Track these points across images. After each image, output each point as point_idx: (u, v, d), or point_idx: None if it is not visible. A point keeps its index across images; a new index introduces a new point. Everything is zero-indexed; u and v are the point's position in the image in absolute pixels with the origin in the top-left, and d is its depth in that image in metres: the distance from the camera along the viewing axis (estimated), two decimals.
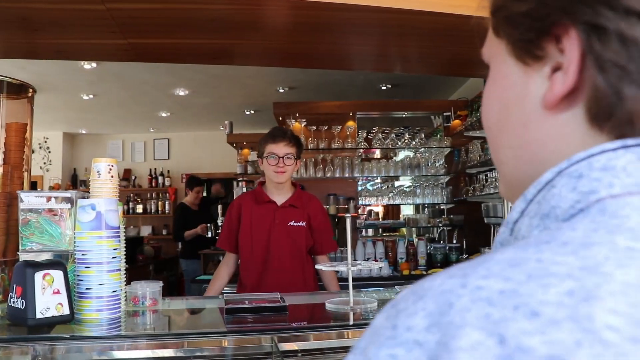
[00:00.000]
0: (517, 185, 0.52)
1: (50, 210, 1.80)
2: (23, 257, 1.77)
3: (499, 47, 0.52)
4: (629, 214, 0.38)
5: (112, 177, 1.88)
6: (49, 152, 9.45)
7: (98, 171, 1.86)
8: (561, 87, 0.45)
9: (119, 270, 1.77)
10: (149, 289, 1.94)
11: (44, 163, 9.44)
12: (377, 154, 6.50)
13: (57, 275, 1.59)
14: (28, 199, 1.78)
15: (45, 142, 9.44)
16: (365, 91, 6.93)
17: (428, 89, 6.94)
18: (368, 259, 5.42)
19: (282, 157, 2.86)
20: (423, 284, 0.38)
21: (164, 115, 8.37)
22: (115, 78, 6.27)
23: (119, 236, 1.77)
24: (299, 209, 2.96)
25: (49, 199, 1.80)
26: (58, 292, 1.58)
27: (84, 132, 9.65)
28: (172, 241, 9.46)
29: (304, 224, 2.95)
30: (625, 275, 0.34)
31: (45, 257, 1.76)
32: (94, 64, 5.66)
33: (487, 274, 0.35)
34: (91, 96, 7.04)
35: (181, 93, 7.00)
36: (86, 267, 1.70)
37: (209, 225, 6.46)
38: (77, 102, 7.34)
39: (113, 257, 1.73)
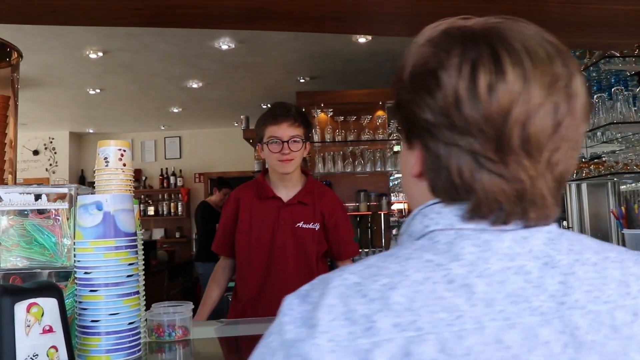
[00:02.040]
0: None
1: (40, 211, 1.31)
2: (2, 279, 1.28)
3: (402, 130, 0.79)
4: (440, 239, 0.66)
5: (124, 165, 1.39)
6: (55, 153, 9.02)
7: (105, 158, 1.37)
8: (413, 171, 0.74)
9: (137, 293, 1.28)
10: (177, 316, 1.44)
11: (50, 165, 9.01)
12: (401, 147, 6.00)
13: (49, 305, 1.09)
14: (9, 197, 1.28)
15: (51, 142, 9.02)
16: (391, 80, 6.41)
17: None
18: None
19: (287, 142, 2.27)
20: (326, 275, 0.66)
21: (175, 111, 7.90)
22: (123, 69, 5.79)
23: (135, 246, 1.28)
24: (309, 207, 2.37)
25: (38, 196, 1.31)
26: (51, 329, 1.09)
27: (91, 131, 9.20)
28: (186, 244, 9.06)
29: (315, 226, 2.37)
30: (416, 276, 0.61)
31: (33, 278, 1.27)
32: (100, 53, 5.18)
33: (352, 272, 0.64)
34: (98, 90, 6.57)
35: (194, 85, 6.52)
36: (91, 291, 1.21)
37: None
38: (83, 97, 6.87)
39: (129, 276, 1.24)
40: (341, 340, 0.57)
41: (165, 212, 9.18)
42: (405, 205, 7.86)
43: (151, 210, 9.14)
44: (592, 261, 0.67)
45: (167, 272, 7.54)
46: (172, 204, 9.20)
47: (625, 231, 2.01)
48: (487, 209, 0.66)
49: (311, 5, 2.29)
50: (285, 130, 2.29)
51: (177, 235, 9.17)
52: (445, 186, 0.68)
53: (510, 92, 0.63)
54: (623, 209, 2.04)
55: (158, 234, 9.11)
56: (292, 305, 0.63)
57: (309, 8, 2.32)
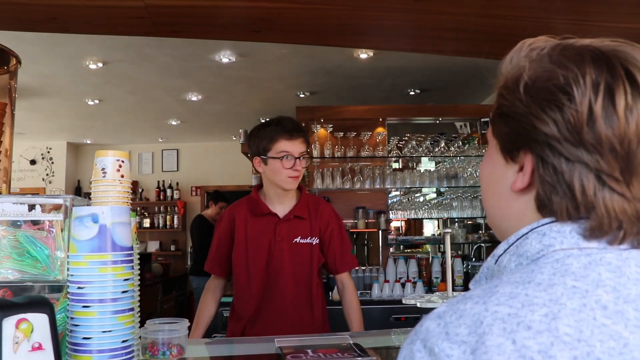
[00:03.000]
0: (497, 229, 0.80)
1: (34, 222, 1.27)
2: None
3: (493, 139, 0.78)
4: (571, 262, 0.64)
5: (122, 176, 1.34)
6: (52, 163, 8.98)
7: (103, 168, 1.33)
8: (519, 184, 0.72)
9: (132, 310, 1.23)
10: (173, 334, 1.39)
11: (47, 175, 8.96)
12: (400, 164, 5.99)
13: (39, 321, 1.05)
14: (2, 207, 1.24)
15: (49, 152, 8.98)
16: (391, 97, 6.41)
17: (458, 95, 6.41)
18: (400, 278, 4.89)
19: (299, 158, 2.27)
20: (458, 306, 0.62)
21: (173, 123, 7.86)
22: (122, 81, 5.76)
23: (132, 261, 1.23)
24: (306, 221, 2.35)
25: (32, 206, 1.26)
26: (40, 347, 1.04)
27: (88, 142, 9.15)
28: (181, 257, 8.99)
29: (313, 240, 2.34)
30: (572, 304, 0.59)
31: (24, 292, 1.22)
32: (99, 64, 5.15)
33: (498, 302, 0.60)
34: (96, 101, 6.54)
35: (193, 98, 6.49)
36: (84, 307, 1.16)
37: None
38: (82, 108, 6.83)
39: (123, 292, 1.19)
40: None
41: (160, 225, 9.14)
42: (403, 224, 7.81)
43: (147, 223, 9.09)
44: None
45: (162, 286, 7.46)
46: (168, 217, 9.15)
47: None
48: (608, 228, 0.66)
49: (316, 17, 2.27)
50: (298, 147, 2.27)
51: (172, 248, 9.11)
52: (563, 202, 0.68)
53: None
54: None
55: (153, 246, 9.05)
56: (445, 350, 0.59)
57: (314, 20, 2.31)
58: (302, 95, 6.41)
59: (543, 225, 0.69)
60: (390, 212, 5.43)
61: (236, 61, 5.15)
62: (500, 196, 0.76)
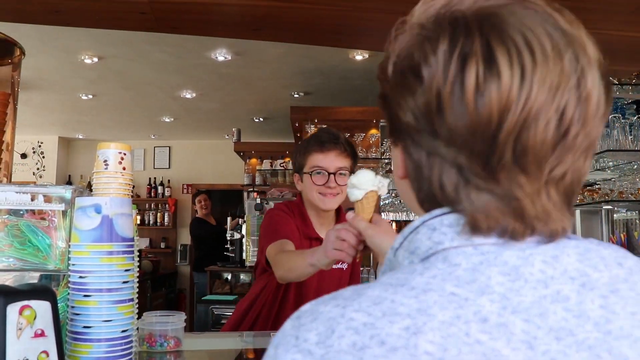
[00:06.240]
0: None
1: (35, 212, 1.28)
2: None
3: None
4: (460, 261, 0.53)
5: (124, 169, 1.36)
6: (43, 157, 8.93)
7: (105, 160, 1.34)
8: (399, 173, 0.66)
9: (132, 300, 1.24)
10: (171, 326, 1.41)
11: (37, 169, 8.91)
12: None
13: (42, 308, 1.06)
14: (5, 196, 1.25)
15: (40, 146, 8.93)
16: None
17: None
18: None
19: (334, 174, 1.96)
20: (318, 307, 0.53)
21: (166, 120, 7.85)
22: (117, 76, 5.75)
23: (132, 252, 1.25)
24: None
25: (34, 196, 1.27)
26: (42, 334, 1.05)
27: (80, 136, 9.11)
28: (170, 255, 8.98)
29: (344, 265, 2.11)
30: (443, 316, 0.49)
31: (26, 279, 1.23)
32: (95, 59, 5.15)
33: (358, 308, 0.51)
34: (90, 96, 6.51)
35: (187, 95, 6.48)
36: (85, 296, 1.17)
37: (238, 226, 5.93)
38: (75, 103, 6.80)
39: (124, 282, 1.21)
40: None
41: (151, 222, 9.10)
42: (394, 226, 7.86)
43: (137, 219, 9.06)
44: (634, 279, 0.56)
45: (151, 283, 7.45)
46: (158, 214, 9.12)
47: None
48: (486, 226, 0.55)
49: (314, 17, 2.30)
50: (333, 161, 1.98)
51: (162, 245, 9.08)
52: (429, 199, 0.60)
53: (502, 97, 0.52)
54: (622, 236, 2.03)
55: (143, 243, 9.01)
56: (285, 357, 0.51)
57: (312, 19, 2.33)
58: (296, 96, 6.42)
59: (434, 217, 0.58)
60: (382, 213, 5.45)
61: (232, 59, 5.16)
62: (397, 182, 0.68)
